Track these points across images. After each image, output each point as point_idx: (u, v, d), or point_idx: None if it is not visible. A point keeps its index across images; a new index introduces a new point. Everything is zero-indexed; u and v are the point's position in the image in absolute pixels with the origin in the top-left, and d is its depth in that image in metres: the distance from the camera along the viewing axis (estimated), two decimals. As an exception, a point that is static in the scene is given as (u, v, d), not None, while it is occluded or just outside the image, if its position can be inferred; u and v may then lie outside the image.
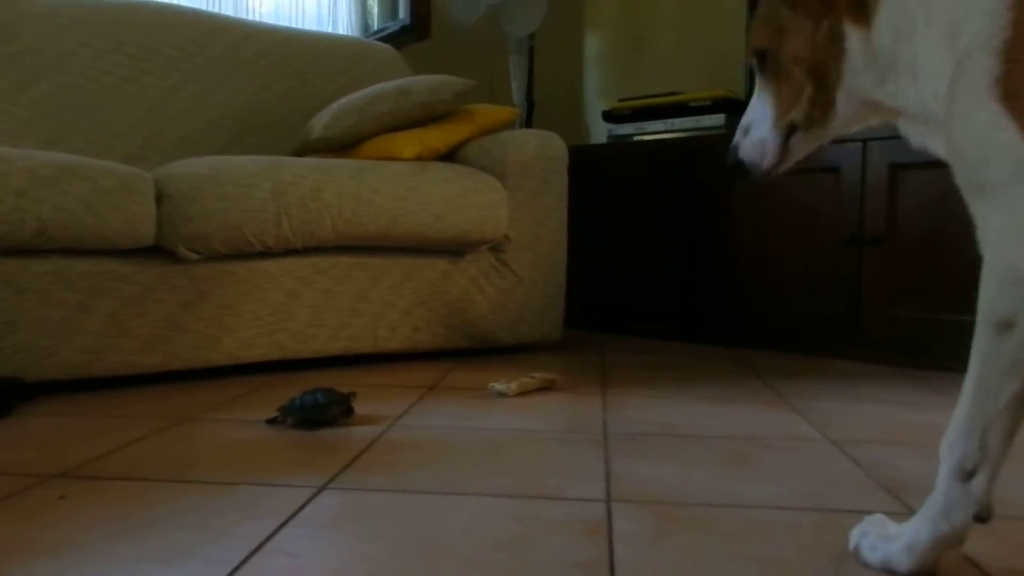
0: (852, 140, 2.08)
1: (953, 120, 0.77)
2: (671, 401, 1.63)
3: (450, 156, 2.24)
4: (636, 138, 2.68)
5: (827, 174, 2.15)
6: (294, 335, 1.89)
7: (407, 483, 1.09)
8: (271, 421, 1.42)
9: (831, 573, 0.83)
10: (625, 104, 2.75)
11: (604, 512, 0.99)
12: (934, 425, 1.46)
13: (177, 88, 2.37)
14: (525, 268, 2.17)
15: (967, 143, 0.75)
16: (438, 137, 2.18)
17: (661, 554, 0.86)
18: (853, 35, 0.87)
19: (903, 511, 1.00)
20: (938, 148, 0.87)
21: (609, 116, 2.78)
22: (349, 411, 1.44)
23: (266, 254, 1.85)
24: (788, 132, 0.95)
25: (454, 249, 2.07)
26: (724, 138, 2.45)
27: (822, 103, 0.93)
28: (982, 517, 0.78)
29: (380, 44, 2.85)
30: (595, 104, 3.30)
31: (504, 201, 2.11)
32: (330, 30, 3.16)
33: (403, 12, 3.24)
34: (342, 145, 2.18)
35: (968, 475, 0.79)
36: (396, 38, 3.12)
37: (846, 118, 0.94)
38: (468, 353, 2.15)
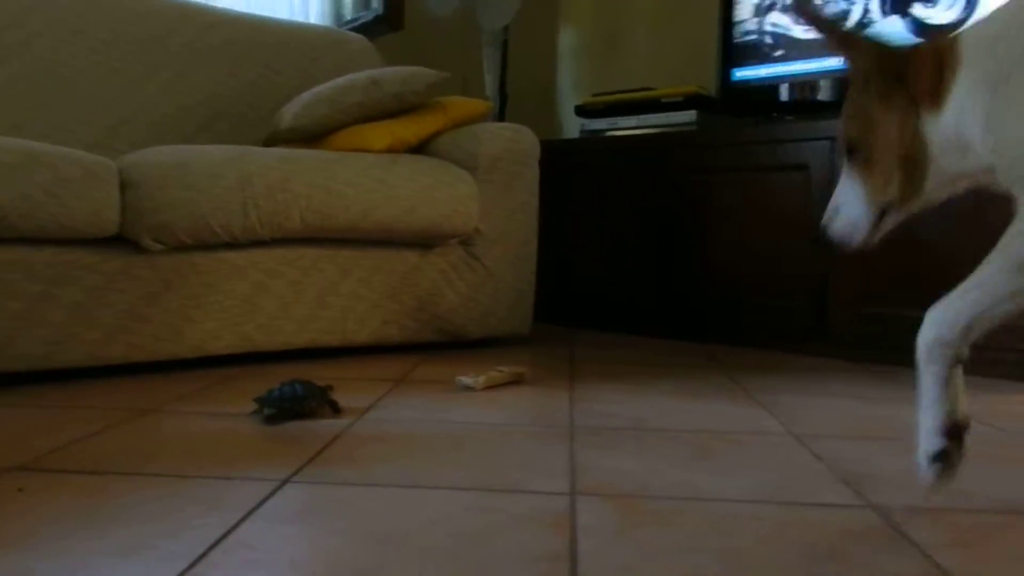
0: (820, 139, 2.10)
1: (1005, 127, 0.90)
2: (638, 395, 1.64)
3: (421, 148, 2.22)
4: (609, 133, 2.69)
5: (796, 171, 2.17)
6: (261, 327, 1.88)
7: (371, 476, 1.09)
8: (253, 414, 1.40)
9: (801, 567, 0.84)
10: (598, 99, 2.75)
11: (568, 505, 0.99)
12: (895, 419, 1.48)
13: (144, 75, 2.33)
14: (495, 262, 2.17)
15: (1015, 142, 0.89)
16: (410, 129, 2.17)
17: (624, 547, 0.87)
18: (936, 123, 0.98)
19: (861, 504, 1.02)
20: None
21: (582, 111, 2.78)
22: (334, 406, 1.43)
23: (232, 245, 1.83)
24: (881, 212, 1.05)
25: (424, 242, 2.07)
26: (695, 134, 2.47)
27: (914, 185, 1.03)
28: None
29: (352, 34, 2.83)
30: (568, 99, 3.30)
31: (475, 194, 2.10)
32: (302, 19, 3.12)
33: (376, 2, 3.21)
34: (312, 136, 2.16)
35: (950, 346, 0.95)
36: (369, 28, 3.09)
37: (936, 192, 1.04)
38: (437, 346, 2.14)
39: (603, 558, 0.84)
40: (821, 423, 1.45)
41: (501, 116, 3.02)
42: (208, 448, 1.21)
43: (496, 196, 2.16)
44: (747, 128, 2.37)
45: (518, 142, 2.19)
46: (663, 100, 2.56)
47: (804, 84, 2.38)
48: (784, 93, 2.42)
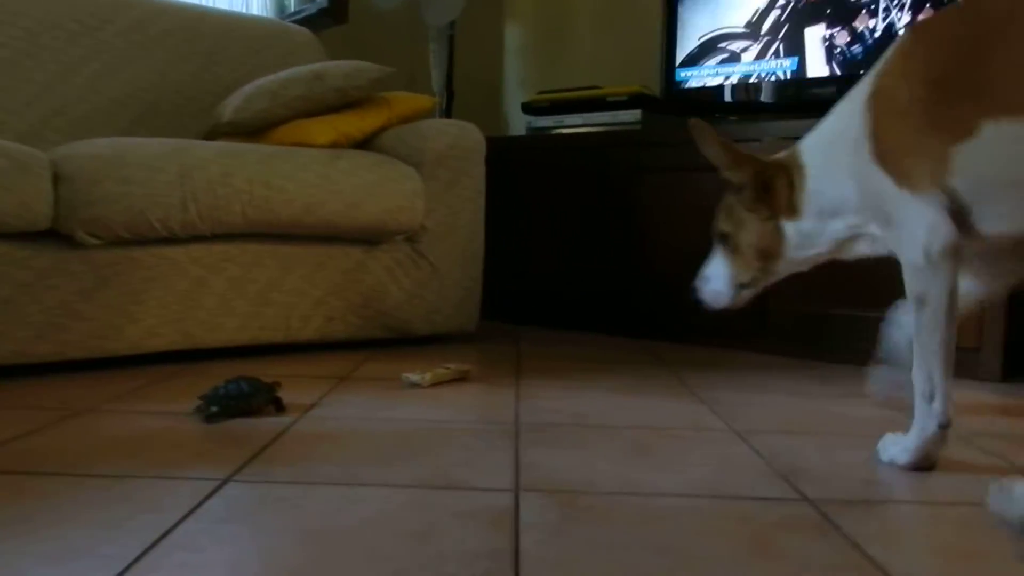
0: (762, 140, 2.15)
1: (867, 181, 1.17)
2: (582, 392, 1.66)
3: (366, 144, 2.20)
4: (555, 131, 2.70)
5: (737, 171, 2.21)
6: (202, 324, 1.84)
7: (313, 475, 1.08)
8: (197, 411, 1.37)
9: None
10: (544, 97, 2.76)
11: (511, 502, 1.00)
12: (832, 415, 1.52)
13: (78, 65, 2.26)
14: (441, 258, 2.17)
15: (875, 196, 1.16)
16: (353, 124, 2.15)
17: (565, 543, 0.88)
18: (790, 227, 1.29)
19: (797, 498, 1.04)
20: (863, 248, 1.28)
21: (528, 108, 2.79)
22: (279, 404, 1.41)
23: (172, 240, 1.79)
24: (739, 288, 1.38)
25: (369, 238, 2.05)
26: (639, 133, 2.50)
27: (767, 271, 1.36)
28: (944, 425, 1.14)
29: (296, 26, 2.78)
30: (515, 96, 3.31)
31: (420, 191, 2.09)
32: (243, 10, 3.07)
33: (321, -5, 3.17)
34: (253, 129, 2.12)
35: (929, 398, 1.14)
36: (313, 21, 3.05)
37: (785, 273, 1.37)
38: (383, 343, 2.13)
39: (544, 554, 0.85)
40: (761, 419, 1.48)
41: (448, 113, 3.01)
42: (146, 448, 1.18)
43: (442, 193, 2.15)
44: (690, 128, 2.40)
45: (464, 139, 2.19)
46: (608, 99, 2.58)
47: (747, 86, 2.42)
48: (727, 94, 2.47)
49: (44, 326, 1.64)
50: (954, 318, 1.11)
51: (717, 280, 1.39)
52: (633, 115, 2.52)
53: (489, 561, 0.82)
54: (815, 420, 1.48)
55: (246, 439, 1.24)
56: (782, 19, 2.34)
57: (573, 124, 2.65)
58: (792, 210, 1.28)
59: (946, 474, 1.17)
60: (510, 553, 0.84)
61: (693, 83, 2.53)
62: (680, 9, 2.55)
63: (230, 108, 2.12)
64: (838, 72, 2.24)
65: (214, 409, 1.35)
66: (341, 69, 2.15)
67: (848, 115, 1.21)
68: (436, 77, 3.02)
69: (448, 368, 1.70)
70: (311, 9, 3.09)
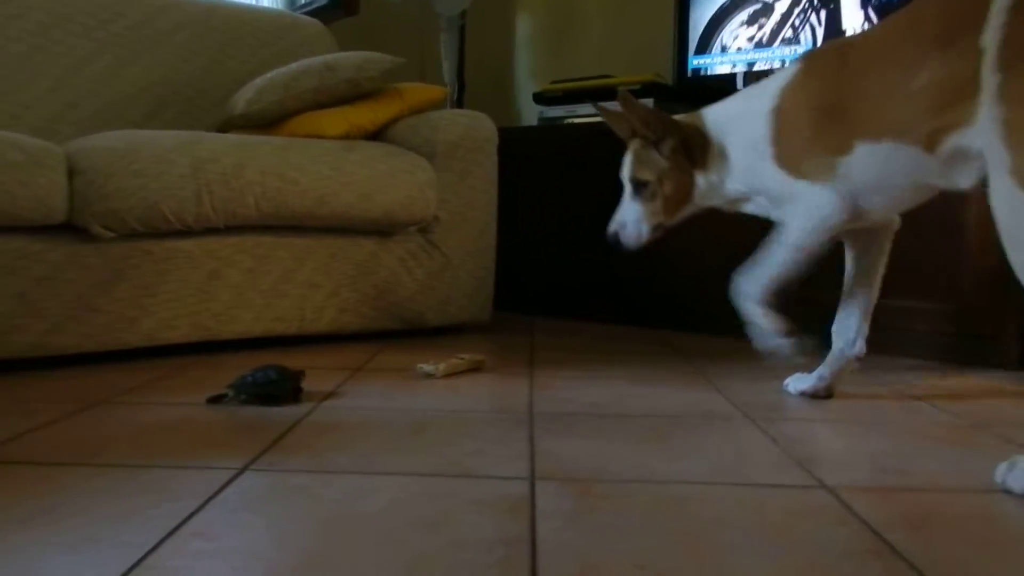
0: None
1: (761, 181, 1.46)
2: (597, 381, 1.65)
3: (378, 135, 2.20)
4: (567, 121, 2.69)
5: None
6: (216, 316, 1.85)
7: (328, 464, 1.08)
8: (216, 399, 1.39)
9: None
10: (556, 86, 2.75)
11: (527, 490, 0.99)
12: (846, 402, 1.51)
13: (90, 58, 2.27)
14: (454, 249, 2.17)
15: (772, 187, 1.45)
16: (365, 115, 2.15)
17: (582, 529, 0.88)
18: (701, 179, 1.53)
19: (814, 484, 1.04)
20: (749, 208, 1.55)
21: (540, 98, 2.78)
22: (295, 394, 1.43)
23: (186, 233, 1.79)
24: (654, 229, 1.57)
25: (382, 229, 2.05)
26: (652, 122, 2.48)
27: (676, 214, 1.58)
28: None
29: (307, 18, 2.78)
30: (526, 86, 3.30)
31: (433, 181, 2.09)
32: (254, 3, 3.07)
33: (331, -13, 3.17)
34: (266, 122, 2.12)
35: (754, 300, 1.45)
36: (323, 13, 3.05)
37: (683, 217, 1.59)
38: (396, 335, 2.13)
39: (561, 541, 0.85)
40: (776, 406, 1.47)
41: (459, 103, 3.01)
42: (163, 438, 1.19)
43: (454, 183, 2.15)
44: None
45: (476, 129, 2.19)
46: (620, 88, 2.56)
47: (760, 73, 2.40)
48: (740, 82, 2.45)
49: (60, 319, 1.65)
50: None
51: (636, 223, 1.57)
52: (646, 104, 2.50)
53: (506, 548, 0.82)
54: (830, 407, 1.48)
55: (262, 429, 1.24)
56: (794, 5, 2.32)
57: (585, 114, 2.63)
58: (704, 166, 1.52)
59: (963, 460, 1.16)
60: (527, 540, 0.84)
61: (706, 71, 2.51)
62: (692, -4, 2.53)
63: (242, 101, 2.13)
64: (852, 58, 2.21)
65: (243, 397, 1.38)
66: (352, 61, 2.15)
67: (753, 116, 1.45)
68: (447, 67, 3.01)
69: (462, 358, 1.70)
70: (321, 1, 3.08)
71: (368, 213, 1.98)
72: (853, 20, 2.21)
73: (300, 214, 1.90)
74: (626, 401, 1.48)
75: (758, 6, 2.39)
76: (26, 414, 1.31)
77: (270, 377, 1.39)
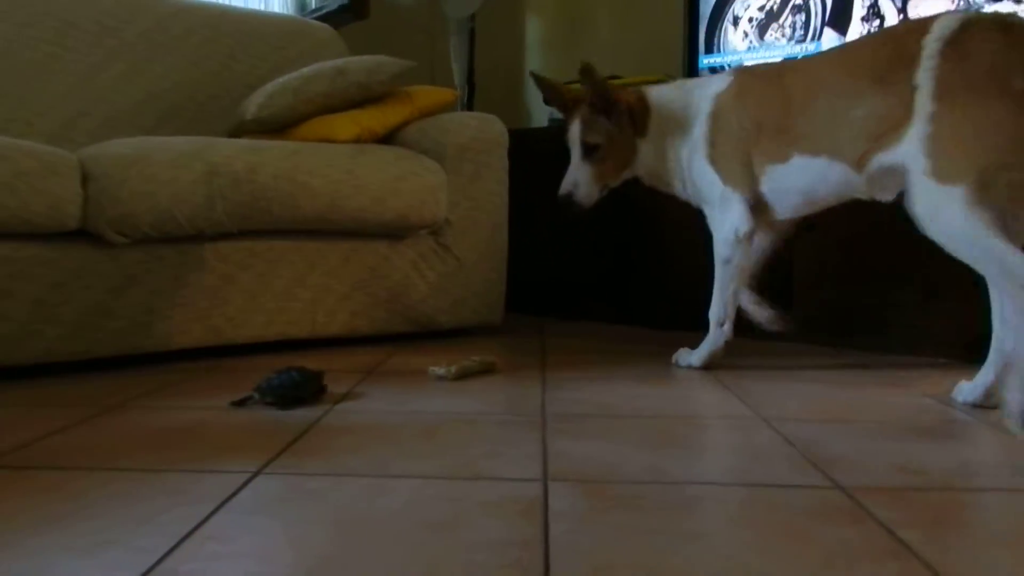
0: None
1: (692, 173, 1.75)
2: (608, 382, 1.65)
3: (389, 138, 2.21)
4: (576, 122, 2.68)
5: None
6: (230, 320, 1.86)
7: (342, 467, 1.08)
8: (241, 403, 1.40)
9: None
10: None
11: (540, 492, 0.99)
12: (859, 401, 1.50)
13: (102, 65, 2.29)
14: (466, 252, 2.17)
15: (702, 183, 1.73)
16: (376, 119, 2.15)
17: (595, 531, 0.87)
18: (642, 144, 1.79)
19: (828, 485, 1.03)
20: (677, 188, 1.83)
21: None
22: (322, 389, 1.45)
23: (198, 237, 1.80)
24: (603, 190, 1.82)
25: (393, 233, 2.06)
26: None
27: (622, 176, 1.84)
28: (728, 341, 1.77)
29: (317, 23, 2.80)
30: (536, 87, 3.29)
31: (444, 184, 2.09)
32: (264, 8, 3.09)
33: (341, -9, 3.18)
34: (277, 126, 2.13)
35: (720, 324, 1.76)
36: (334, 17, 3.06)
37: (628, 179, 1.85)
38: (408, 337, 2.14)
39: (574, 543, 0.84)
40: (789, 406, 1.47)
41: (469, 105, 3.01)
42: (177, 442, 1.20)
43: (465, 186, 2.15)
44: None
45: (486, 131, 2.19)
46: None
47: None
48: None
49: (75, 325, 1.66)
50: (745, 272, 1.76)
51: (586, 185, 1.78)
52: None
53: (519, 550, 0.82)
54: (844, 407, 1.47)
55: (276, 432, 1.25)
56: (804, 3, 2.31)
57: (595, 114, 2.62)
58: (644, 134, 1.77)
59: (980, 460, 1.15)
60: (540, 542, 0.84)
61: (716, 71, 2.50)
62: (701, -4, 2.52)
63: (253, 106, 2.14)
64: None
65: (269, 399, 1.39)
66: (363, 64, 2.15)
67: (693, 113, 1.71)
68: (457, 70, 3.02)
69: (474, 361, 1.70)
70: (332, 5, 3.10)
71: (380, 216, 1.99)
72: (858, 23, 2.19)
73: (312, 218, 1.91)
74: (638, 402, 1.48)
75: (771, 4, 2.38)
76: (41, 419, 1.32)
77: (294, 379, 1.40)
